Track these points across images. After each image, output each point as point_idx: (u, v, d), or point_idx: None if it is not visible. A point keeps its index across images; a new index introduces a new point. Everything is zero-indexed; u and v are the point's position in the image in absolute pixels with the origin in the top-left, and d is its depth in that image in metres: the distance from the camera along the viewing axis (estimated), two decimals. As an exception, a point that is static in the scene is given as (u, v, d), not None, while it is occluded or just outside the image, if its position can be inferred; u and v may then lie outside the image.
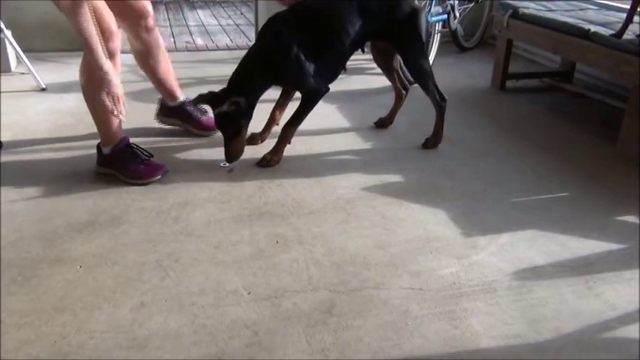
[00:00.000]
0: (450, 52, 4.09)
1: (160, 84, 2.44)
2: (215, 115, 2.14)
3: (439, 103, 2.43)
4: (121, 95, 1.89)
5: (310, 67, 2.18)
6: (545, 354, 1.34)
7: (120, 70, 2.00)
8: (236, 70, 2.19)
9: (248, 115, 2.19)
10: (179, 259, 1.65)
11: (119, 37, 1.98)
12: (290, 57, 2.14)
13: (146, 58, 2.35)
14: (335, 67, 2.32)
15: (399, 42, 2.35)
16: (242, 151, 2.23)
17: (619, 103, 2.95)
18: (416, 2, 2.43)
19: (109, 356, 1.29)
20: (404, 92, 2.64)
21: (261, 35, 2.22)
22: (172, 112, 2.50)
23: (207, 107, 2.39)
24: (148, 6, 2.23)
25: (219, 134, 2.23)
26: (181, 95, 2.50)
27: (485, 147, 2.51)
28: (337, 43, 2.23)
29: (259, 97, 2.22)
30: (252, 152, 2.30)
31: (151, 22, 2.25)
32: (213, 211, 1.91)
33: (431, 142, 2.46)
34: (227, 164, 2.24)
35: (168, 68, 2.44)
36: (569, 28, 2.75)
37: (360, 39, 2.31)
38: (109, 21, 1.91)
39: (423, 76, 2.39)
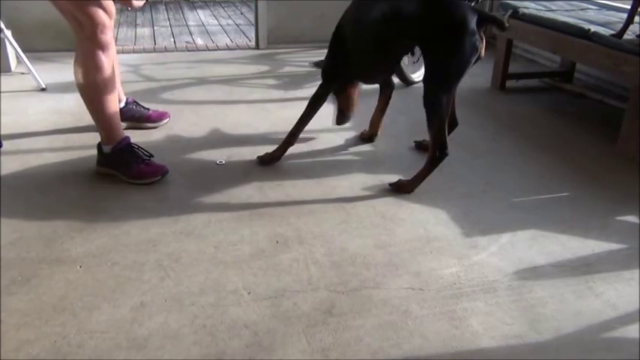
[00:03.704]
0: (450, 52, 4.08)
1: None
2: None
3: (434, 152, 2.00)
4: None
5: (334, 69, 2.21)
6: (545, 354, 1.34)
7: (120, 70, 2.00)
8: None
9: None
10: (179, 259, 1.65)
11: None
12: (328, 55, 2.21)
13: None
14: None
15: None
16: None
17: (619, 103, 2.95)
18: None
19: (109, 356, 1.29)
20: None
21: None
22: (122, 115, 2.43)
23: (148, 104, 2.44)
24: (112, 6, 2.23)
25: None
26: (124, 97, 2.53)
27: (485, 147, 2.51)
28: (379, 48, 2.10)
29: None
30: (253, 152, 2.31)
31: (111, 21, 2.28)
32: (213, 211, 1.91)
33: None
34: (222, 161, 2.25)
35: (117, 69, 2.45)
36: (570, 28, 2.75)
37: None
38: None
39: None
